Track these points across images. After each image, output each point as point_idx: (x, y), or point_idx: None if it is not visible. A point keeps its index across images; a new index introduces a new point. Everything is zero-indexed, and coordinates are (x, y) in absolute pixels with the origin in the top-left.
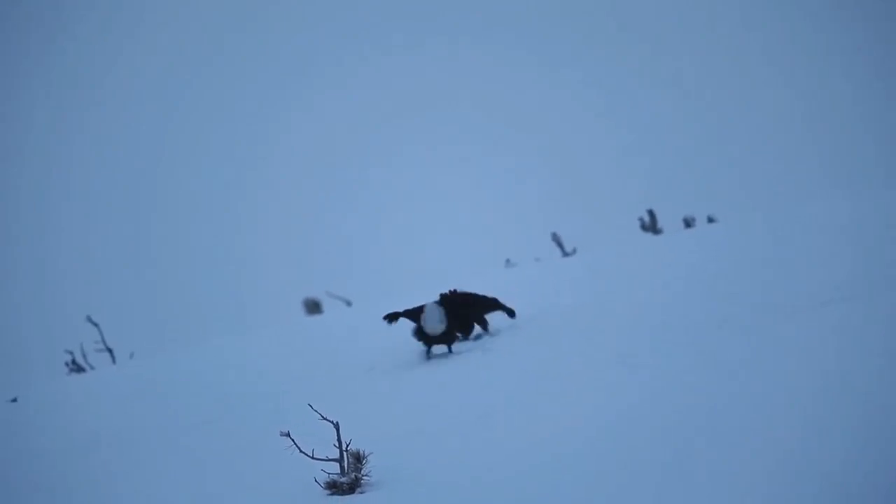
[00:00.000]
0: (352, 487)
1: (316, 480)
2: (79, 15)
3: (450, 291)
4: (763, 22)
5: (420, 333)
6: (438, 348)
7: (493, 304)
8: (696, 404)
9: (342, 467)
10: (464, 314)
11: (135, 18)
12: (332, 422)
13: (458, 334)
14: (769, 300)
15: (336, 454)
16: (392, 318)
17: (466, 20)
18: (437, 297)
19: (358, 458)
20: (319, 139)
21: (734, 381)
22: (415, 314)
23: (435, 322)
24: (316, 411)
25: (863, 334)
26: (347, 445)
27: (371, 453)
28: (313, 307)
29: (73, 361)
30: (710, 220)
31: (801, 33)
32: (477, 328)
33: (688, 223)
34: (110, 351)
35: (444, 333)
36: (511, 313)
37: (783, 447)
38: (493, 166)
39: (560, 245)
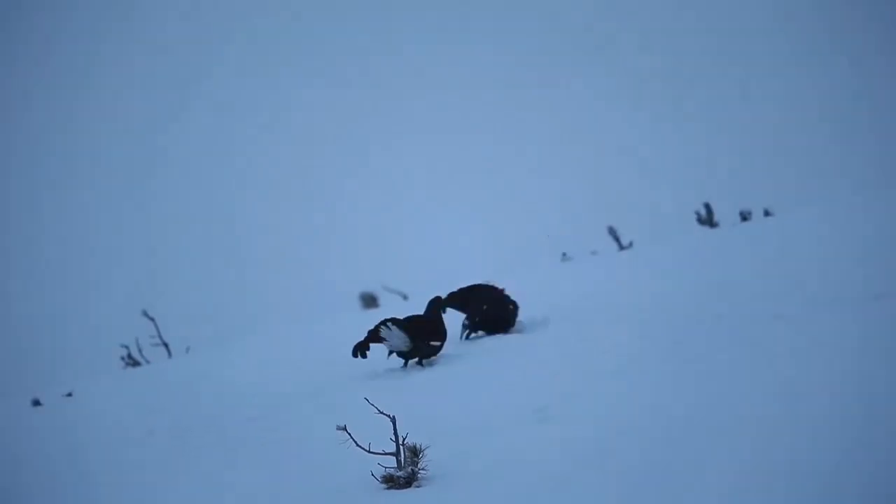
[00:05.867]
0: (408, 482)
1: (372, 474)
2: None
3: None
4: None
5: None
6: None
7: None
8: (749, 399)
9: (399, 461)
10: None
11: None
12: (388, 416)
13: (435, 343)
14: (825, 294)
15: (392, 448)
16: (361, 350)
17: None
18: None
19: (414, 453)
20: (369, 135)
21: (785, 375)
22: (375, 337)
23: (399, 343)
24: (372, 405)
25: None
26: (404, 440)
27: (428, 447)
28: (370, 301)
29: (129, 356)
30: (767, 213)
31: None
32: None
33: (744, 217)
34: (166, 345)
35: (414, 348)
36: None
37: (832, 445)
38: (551, 158)
39: (616, 239)
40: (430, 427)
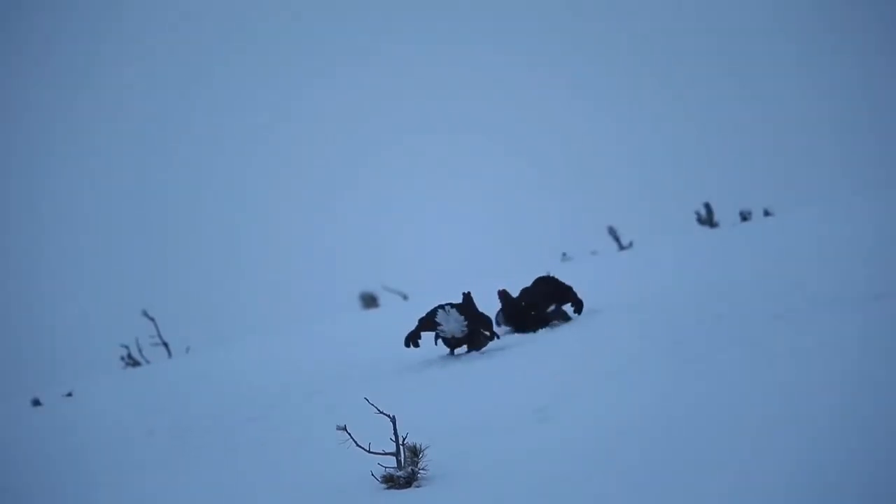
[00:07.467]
0: (408, 482)
1: (372, 474)
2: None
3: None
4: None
5: (443, 338)
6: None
7: (566, 295)
8: (749, 399)
9: (399, 461)
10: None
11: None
12: (388, 416)
13: (487, 333)
14: (825, 294)
15: (392, 448)
16: (413, 340)
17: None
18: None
19: (414, 452)
20: (370, 134)
21: (785, 375)
22: (430, 323)
23: (456, 327)
24: (372, 405)
25: None
26: (404, 440)
27: (428, 447)
28: (370, 301)
29: (129, 356)
30: (767, 213)
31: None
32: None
33: (744, 217)
34: (166, 345)
35: (469, 335)
36: (580, 307)
37: (832, 445)
38: (551, 158)
39: (616, 239)
40: (430, 427)
